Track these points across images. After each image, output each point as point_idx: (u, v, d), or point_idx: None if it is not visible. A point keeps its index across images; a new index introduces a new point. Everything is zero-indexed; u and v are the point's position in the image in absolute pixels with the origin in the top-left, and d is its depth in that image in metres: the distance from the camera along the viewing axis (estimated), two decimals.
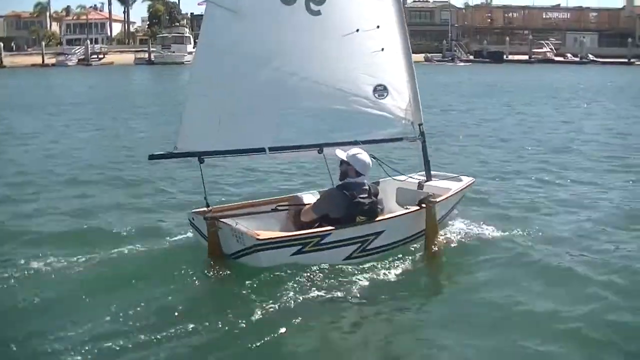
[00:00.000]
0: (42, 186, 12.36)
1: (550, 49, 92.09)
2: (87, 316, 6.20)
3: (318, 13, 7.95)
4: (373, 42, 8.33)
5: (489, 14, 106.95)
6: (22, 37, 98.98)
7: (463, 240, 8.43)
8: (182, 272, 7.19)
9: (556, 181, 12.62)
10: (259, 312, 6.30)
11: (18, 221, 9.71)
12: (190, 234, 8.18)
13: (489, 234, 8.64)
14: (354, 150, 7.70)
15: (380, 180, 8.99)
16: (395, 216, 7.86)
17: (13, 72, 69.54)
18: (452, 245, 8.25)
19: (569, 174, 13.37)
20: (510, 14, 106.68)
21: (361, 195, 7.45)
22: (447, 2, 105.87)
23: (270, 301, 6.48)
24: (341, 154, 7.71)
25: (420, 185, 8.89)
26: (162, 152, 7.70)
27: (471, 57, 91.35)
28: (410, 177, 9.08)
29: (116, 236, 8.54)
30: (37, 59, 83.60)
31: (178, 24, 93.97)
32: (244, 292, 6.75)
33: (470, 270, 7.82)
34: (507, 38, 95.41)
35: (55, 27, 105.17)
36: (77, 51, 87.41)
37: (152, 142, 16.99)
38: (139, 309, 6.35)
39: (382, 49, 8.41)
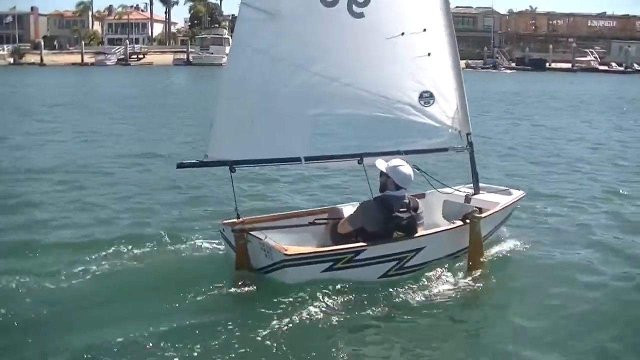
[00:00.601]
0: (69, 185, 12.16)
1: (595, 57, 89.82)
2: (102, 326, 5.97)
3: (361, 15, 7.41)
4: (419, 46, 7.78)
5: (533, 21, 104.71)
6: (65, 36, 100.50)
7: (510, 259, 7.85)
8: (207, 286, 6.79)
9: (613, 200, 11.71)
10: (282, 332, 5.89)
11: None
12: (221, 246, 7.76)
13: (538, 253, 8.06)
14: (395, 161, 7.15)
15: (427, 192, 8.51)
16: (436, 232, 7.31)
17: (51, 71, 70.36)
18: (498, 264, 7.66)
19: (627, 192, 12.32)
20: (555, 22, 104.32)
21: (399, 210, 6.93)
22: (490, 8, 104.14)
23: (297, 322, 6.08)
24: (381, 164, 7.18)
25: (467, 199, 8.32)
26: (191, 161, 7.26)
27: (513, 65, 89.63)
28: (457, 189, 8.50)
29: (142, 244, 8.10)
30: (78, 58, 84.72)
31: (218, 25, 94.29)
32: (269, 310, 6.29)
33: (516, 293, 7.26)
34: (551, 46, 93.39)
35: (97, 26, 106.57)
36: (116, 51, 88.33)
37: (179, 146, 16.71)
38: (156, 321, 6.01)
39: (429, 54, 7.85)
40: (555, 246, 8.29)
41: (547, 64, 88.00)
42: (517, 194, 8.52)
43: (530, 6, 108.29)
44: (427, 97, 7.89)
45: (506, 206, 8.06)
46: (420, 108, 7.89)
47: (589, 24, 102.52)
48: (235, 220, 7.25)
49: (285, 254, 6.50)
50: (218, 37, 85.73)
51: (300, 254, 6.62)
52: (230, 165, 7.06)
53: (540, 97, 40.07)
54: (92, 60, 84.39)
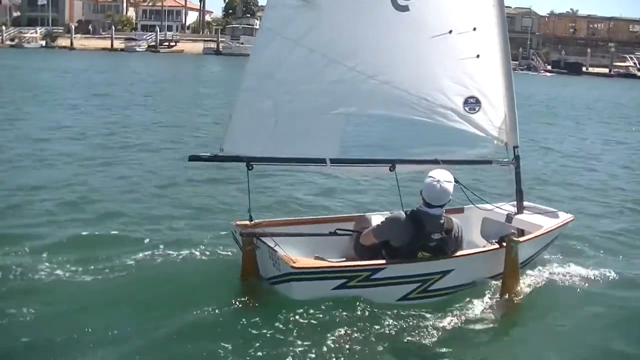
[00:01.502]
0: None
1: (635, 63, 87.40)
2: (93, 330, 5.58)
3: (406, 8, 6.66)
4: (468, 46, 6.98)
5: (573, 24, 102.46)
6: (99, 20, 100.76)
7: (548, 289, 7.01)
8: (210, 294, 6.28)
9: None
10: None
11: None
12: (233, 249, 7.13)
13: (582, 285, 7.16)
14: (434, 173, 6.27)
15: (466, 207, 7.74)
16: (467, 254, 6.47)
17: (77, 55, 69.90)
18: (535, 294, 6.81)
19: None
20: (595, 25, 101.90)
21: (431, 230, 6.12)
22: (529, 8, 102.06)
23: (300, 345, 5.42)
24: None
25: (508, 218, 7.51)
26: (205, 154, 6.58)
27: (548, 67, 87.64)
28: (498, 207, 7.67)
29: (146, 244, 7.59)
30: (108, 43, 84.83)
31: (251, 15, 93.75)
32: (269, 330, 5.64)
33: (553, 331, 6.35)
34: (589, 50, 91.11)
35: (131, 12, 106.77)
36: (147, 37, 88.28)
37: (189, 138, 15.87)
38: (146, 331, 5.59)
39: (478, 56, 7.04)
40: (602, 280, 7.38)
41: (584, 68, 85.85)
42: (564, 217, 7.63)
43: (571, 9, 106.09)
44: (472, 103, 7.10)
45: (550, 230, 7.22)
46: (464, 114, 7.10)
47: (631, 29, 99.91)
48: (247, 222, 6.63)
49: (292, 267, 5.81)
50: (249, 27, 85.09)
51: (308, 267, 5.94)
52: (247, 162, 6.43)
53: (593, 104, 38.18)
54: (122, 45, 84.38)
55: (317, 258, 6.84)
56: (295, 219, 7.38)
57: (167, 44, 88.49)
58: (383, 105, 6.91)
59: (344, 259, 6.93)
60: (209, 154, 6.57)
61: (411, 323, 5.91)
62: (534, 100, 36.29)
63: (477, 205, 7.47)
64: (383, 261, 6.12)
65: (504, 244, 6.52)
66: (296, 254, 6.73)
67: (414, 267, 6.15)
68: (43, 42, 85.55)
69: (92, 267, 6.81)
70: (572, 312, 6.70)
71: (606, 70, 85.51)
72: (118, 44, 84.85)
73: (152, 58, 70.10)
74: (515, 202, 7.64)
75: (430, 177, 6.17)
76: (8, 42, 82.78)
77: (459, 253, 6.33)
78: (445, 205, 6.23)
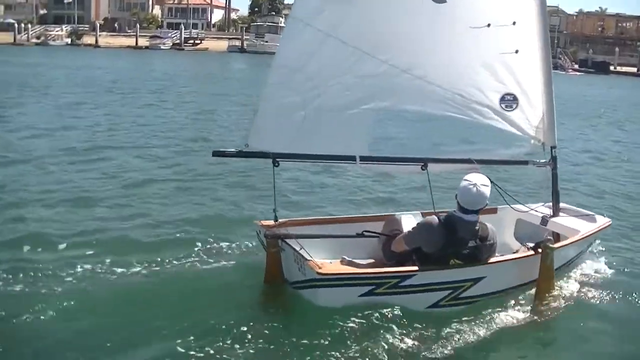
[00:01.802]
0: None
1: None
2: (112, 334, 5.39)
3: (442, 0, 6.37)
4: (506, 41, 6.68)
5: (601, 22, 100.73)
6: (125, 18, 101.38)
7: (585, 297, 6.67)
8: (232, 297, 6.11)
9: None
10: None
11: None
12: (256, 250, 6.95)
13: (620, 292, 6.80)
14: (469, 177, 5.91)
15: (499, 207, 7.41)
16: (501, 261, 6.13)
17: (101, 53, 70.02)
18: (571, 302, 6.46)
19: None
20: (624, 24, 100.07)
21: (465, 237, 5.80)
22: (556, 7, 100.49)
23: (325, 353, 5.16)
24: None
25: (544, 220, 7.18)
26: (229, 150, 6.39)
27: (575, 66, 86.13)
28: (534, 208, 7.33)
29: (168, 244, 7.39)
30: (132, 41, 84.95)
31: (276, 13, 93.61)
32: (292, 337, 5.37)
33: (589, 339, 6.02)
34: (617, 49, 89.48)
35: (157, 10, 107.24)
36: (172, 35, 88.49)
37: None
38: (166, 336, 5.35)
39: (516, 51, 6.74)
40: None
41: (612, 67, 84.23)
42: (601, 221, 7.26)
43: (600, 7, 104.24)
44: (509, 100, 6.78)
45: (587, 236, 6.87)
46: (500, 112, 6.79)
47: None
48: (272, 222, 6.42)
49: (318, 273, 5.55)
50: (274, 25, 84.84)
51: (335, 274, 5.68)
52: (273, 158, 6.21)
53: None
54: (147, 43, 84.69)
55: (343, 260, 6.60)
56: (322, 219, 7.15)
57: (191, 41, 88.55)
58: (416, 101, 6.64)
59: (372, 261, 6.68)
60: (233, 150, 6.37)
61: (440, 332, 5.63)
62: (561, 100, 35.37)
63: (511, 205, 7.14)
64: (414, 268, 5.84)
65: (539, 249, 6.19)
66: (321, 256, 6.54)
67: (446, 274, 5.85)
68: (68, 40, 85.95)
69: (111, 268, 6.63)
70: (610, 323, 6.32)
71: (634, 70, 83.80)
72: (143, 42, 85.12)
73: (176, 56, 70.08)
74: (550, 204, 7.31)
75: (467, 180, 5.85)
76: (34, 40, 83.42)
77: (492, 260, 6.01)
78: (480, 211, 5.91)
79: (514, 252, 6.87)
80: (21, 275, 6.35)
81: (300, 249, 5.92)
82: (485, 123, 6.78)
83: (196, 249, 7.20)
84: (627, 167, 15.70)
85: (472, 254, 5.85)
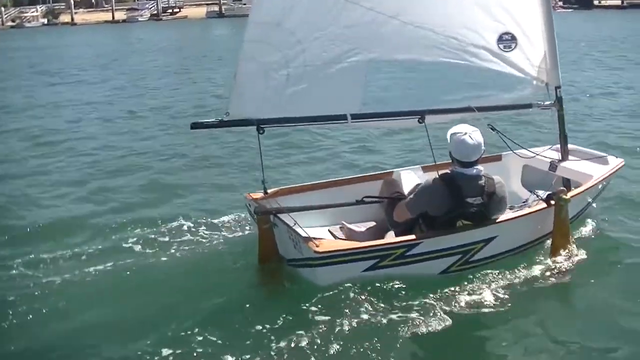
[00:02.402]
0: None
1: None
2: (103, 320, 5.11)
3: None
4: None
5: None
6: None
7: (602, 246, 6.26)
8: (225, 280, 5.64)
9: None
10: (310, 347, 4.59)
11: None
12: (248, 226, 6.51)
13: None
14: (457, 129, 5.46)
15: (503, 154, 7.02)
16: (512, 218, 5.66)
17: (76, 30, 68.34)
18: (588, 254, 5.95)
19: None
20: None
21: (471, 194, 5.33)
22: None
23: (329, 335, 4.72)
24: (449, 133, 5.56)
25: (552, 166, 6.75)
26: (208, 121, 5.80)
27: (560, 3, 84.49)
28: (540, 153, 6.88)
29: (154, 226, 6.89)
30: (109, 16, 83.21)
31: None
32: (293, 320, 4.94)
33: (612, 291, 5.56)
34: None
35: None
36: (149, 6, 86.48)
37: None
38: (159, 323, 4.99)
39: None
40: None
41: (596, 2, 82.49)
42: (614, 162, 6.78)
43: None
44: (507, 40, 6.26)
45: (600, 180, 6.41)
46: (498, 53, 6.27)
47: None
48: (261, 194, 6.01)
49: (316, 251, 5.08)
50: None
51: (334, 251, 5.16)
52: (257, 125, 5.70)
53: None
54: (124, 17, 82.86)
55: (342, 227, 6.20)
56: (316, 184, 6.67)
57: (170, 11, 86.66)
58: (407, 49, 6.10)
59: (373, 224, 6.28)
60: (213, 120, 5.79)
61: (450, 301, 5.19)
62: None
63: (516, 151, 6.70)
64: (419, 235, 5.40)
65: (552, 202, 5.75)
66: (319, 223, 6.15)
67: (453, 238, 5.41)
68: (45, 20, 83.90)
69: (97, 251, 6.26)
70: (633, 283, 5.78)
71: (618, 2, 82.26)
72: (120, 16, 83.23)
73: (155, 27, 68.41)
74: (558, 147, 6.85)
75: (456, 132, 5.40)
76: (9, 24, 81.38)
77: (502, 218, 5.56)
78: (479, 161, 5.44)
79: (523, 202, 6.49)
80: None
81: (294, 224, 5.47)
82: (483, 66, 6.27)
83: (184, 229, 6.74)
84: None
85: (480, 212, 5.39)
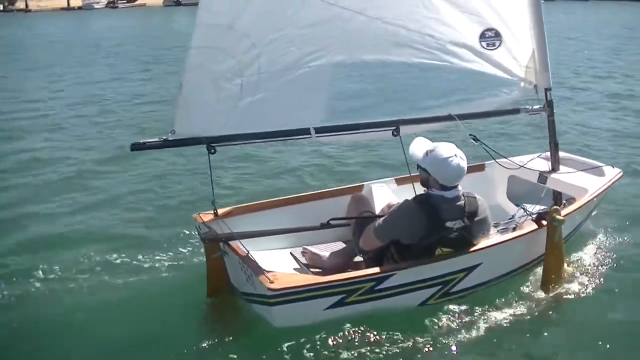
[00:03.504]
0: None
1: None
2: None
3: None
4: None
5: None
6: None
7: (598, 268, 5.59)
8: (170, 317, 4.90)
9: None
10: None
11: None
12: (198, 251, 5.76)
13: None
14: (438, 148, 4.68)
15: (487, 163, 6.34)
16: (498, 243, 4.92)
17: (33, 18, 65.76)
18: (583, 277, 5.37)
19: None
20: None
21: (450, 218, 4.59)
22: None
23: None
24: (417, 150, 4.82)
25: (542, 177, 6.04)
26: (151, 140, 4.91)
27: None
28: (528, 162, 6.18)
29: (86, 252, 6.03)
30: (64, 2, 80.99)
31: None
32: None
33: (611, 322, 4.95)
34: None
35: None
36: None
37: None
38: None
39: None
40: None
41: None
42: (611, 173, 6.08)
43: None
44: (491, 37, 5.56)
45: (597, 194, 5.71)
46: (481, 52, 5.56)
47: None
48: (212, 214, 5.30)
49: (270, 289, 4.29)
50: None
51: (292, 288, 4.37)
52: (207, 144, 4.90)
53: None
54: (80, 3, 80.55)
55: (305, 252, 5.47)
56: (274, 201, 5.86)
57: None
58: (376, 49, 5.32)
59: (342, 245, 5.56)
60: (156, 139, 4.91)
61: (428, 335, 4.56)
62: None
63: (499, 161, 5.99)
64: (391, 267, 4.66)
65: (544, 222, 5.05)
66: (279, 245, 5.50)
67: (432, 268, 4.67)
68: (0, 6, 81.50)
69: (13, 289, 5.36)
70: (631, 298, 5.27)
71: None
72: (76, 2, 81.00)
73: (111, 15, 66.44)
74: (548, 155, 6.16)
75: (440, 152, 4.63)
76: None
77: (486, 243, 4.82)
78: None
79: (510, 219, 5.81)
80: None
81: (247, 254, 4.70)
82: (464, 67, 5.55)
83: (123, 257, 5.92)
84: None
85: (462, 237, 4.65)
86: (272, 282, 4.29)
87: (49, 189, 8.44)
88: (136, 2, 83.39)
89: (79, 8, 78.69)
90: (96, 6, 79.60)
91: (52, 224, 7.08)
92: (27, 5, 79.71)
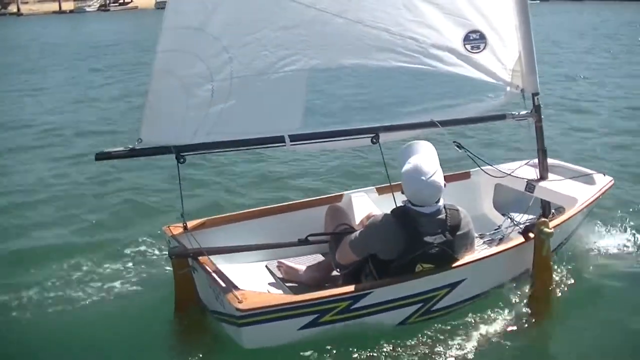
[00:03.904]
0: None
1: None
2: None
3: None
4: None
5: None
6: None
7: (587, 282, 5.36)
8: (136, 327, 4.74)
9: None
10: None
11: None
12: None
13: (630, 269, 5.57)
14: (413, 164, 4.36)
15: (472, 171, 6.11)
16: (482, 258, 4.65)
17: (24, 22, 64.66)
18: (573, 287, 5.15)
19: None
20: None
21: (430, 233, 4.30)
22: None
23: None
24: (402, 156, 4.54)
25: (529, 186, 5.79)
26: (116, 150, 4.64)
27: None
28: (515, 169, 5.92)
29: (58, 271, 5.71)
30: (56, 6, 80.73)
31: None
32: None
33: (604, 341, 4.73)
34: None
35: None
36: None
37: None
38: None
39: None
40: None
41: None
42: (602, 181, 5.79)
43: None
44: (475, 40, 5.32)
45: (588, 204, 5.45)
46: (465, 55, 5.32)
47: None
48: (181, 227, 5.04)
49: (238, 309, 4.01)
50: None
51: (262, 308, 4.09)
52: (176, 154, 4.62)
53: None
54: (72, 7, 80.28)
55: (280, 266, 5.23)
56: (248, 212, 5.62)
57: (121, 0, 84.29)
58: (356, 52, 5.06)
59: (321, 259, 5.35)
60: (122, 149, 4.64)
61: (411, 354, 4.30)
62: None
63: (485, 169, 5.78)
64: (365, 284, 4.41)
65: (531, 234, 4.80)
66: (254, 258, 5.28)
67: (412, 285, 4.40)
68: None
69: None
70: (623, 314, 5.02)
71: None
72: (67, 6, 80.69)
73: (103, 18, 66.03)
74: (536, 161, 5.91)
75: (409, 169, 4.33)
76: None
77: (470, 258, 4.55)
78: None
79: (496, 229, 5.61)
80: None
81: (216, 270, 4.45)
82: (447, 71, 5.30)
83: (86, 270, 5.67)
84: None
85: (443, 252, 4.36)
86: (240, 302, 4.03)
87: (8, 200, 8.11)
88: (128, 5, 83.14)
89: (71, 11, 78.36)
90: (88, 9, 79.31)
91: (16, 237, 6.78)
92: (19, 9, 79.41)
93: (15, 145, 11.16)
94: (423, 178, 4.26)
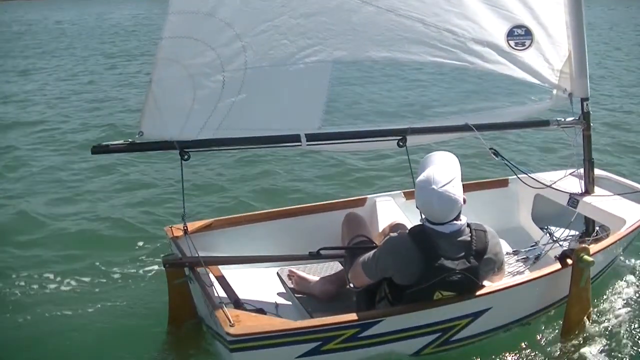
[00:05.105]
0: None
1: None
2: None
3: None
4: None
5: None
6: None
7: (634, 311, 4.74)
8: (128, 338, 4.46)
9: None
10: None
11: None
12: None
13: None
14: (426, 177, 3.79)
15: (510, 178, 5.58)
16: (511, 286, 4.10)
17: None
18: (612, 321, 4.58)
19: None
20: None
21: (450, 257, 3.73)
22: None
23: None
24: (422, 166, 4.00)
25: (572, 200, 5.20)
26: (114, 143, 4.26)
27: None
28: (558, 181, 5.34)
29: (56, 273, 5.41)
30: None
31: None
32: None
33: None
34: None
35: None
36: None
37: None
38: None
39: None
40: None
41: None
42: None
43: None
44: (521, 35, 4.74)
45: (637, 226, 4.81)
46: (508, 52, 4.74)
47: None
48: (181, 229, 4.62)
49: (229, 333, 3.55)
50: None
51: (255, 334, 3.61)
52: (180, 150, 4.21)
53: None
54: None
55: (291, 275, 4.79)
56: (254, 215, 5.15)
57: None
58: (386, 44, 4.55)
59: (337, 270, 4.83)
60: (120, 142, 4.25)
61: None
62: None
63: (524, 179, 5.21)
64: (375, 312, 3.92)
65: (569, 260, 4.21)
66: (265, 264, 4.84)
67: (429, 314, 3.88)
68: None
69: None
70: None
71: None
72: None
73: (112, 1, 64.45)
74: (581, 171, 5.30)
75: (422, 183, 3.78)
76: None
77: (497, 286, 4.00)
78: (460, 214, 3.84)
79: (532, 246, 5.08)
80: None
81: (215, 279, 4.05)
82: (487, 69, 4.72)
83: (79, 276, 5.35)
84: None
85: (465, 279, 3.78)
86: (232, 326, 3.59)
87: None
88: None
89: None
90: None
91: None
92: None
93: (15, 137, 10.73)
94: (434, 187, 3.70)
